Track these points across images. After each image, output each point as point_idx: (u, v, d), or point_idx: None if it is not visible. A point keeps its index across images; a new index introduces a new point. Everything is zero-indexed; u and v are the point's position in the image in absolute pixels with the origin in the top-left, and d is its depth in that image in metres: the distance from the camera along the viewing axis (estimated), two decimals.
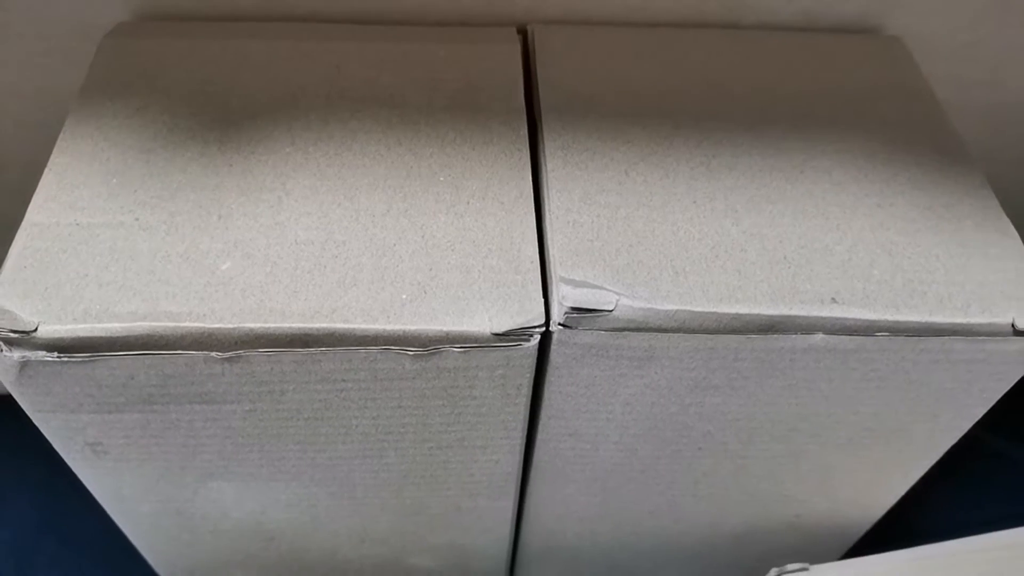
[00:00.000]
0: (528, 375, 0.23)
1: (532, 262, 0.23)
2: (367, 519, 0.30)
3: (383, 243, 0.23)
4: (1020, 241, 0.25)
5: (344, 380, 0.23)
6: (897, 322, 0.23)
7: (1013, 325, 0.23)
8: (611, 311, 0.22)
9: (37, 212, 0.23)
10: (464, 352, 0.22)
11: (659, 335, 0.23)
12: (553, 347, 0.23)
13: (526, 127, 0.27)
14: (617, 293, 0.22)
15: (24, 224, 0.23)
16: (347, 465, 0.27)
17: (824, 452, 0.28)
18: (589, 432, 0.27)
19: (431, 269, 0.23)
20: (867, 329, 0.23)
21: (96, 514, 0.48)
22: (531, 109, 0.28)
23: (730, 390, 0.25)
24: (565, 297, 0.22)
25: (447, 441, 0.26)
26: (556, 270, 0.23)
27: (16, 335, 0.21)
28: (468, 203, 0.25)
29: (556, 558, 0.36)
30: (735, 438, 0.27)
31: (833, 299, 0.23)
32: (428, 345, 0.22)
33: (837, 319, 0.23)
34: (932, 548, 0.32)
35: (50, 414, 0.23)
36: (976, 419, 0.27)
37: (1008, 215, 0.26)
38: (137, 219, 0.23)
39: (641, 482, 0.30)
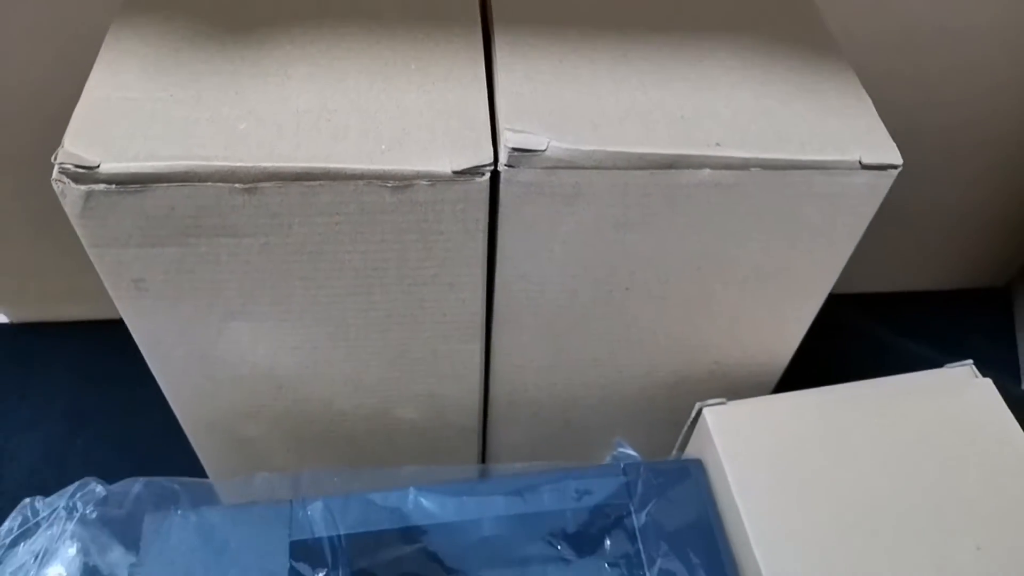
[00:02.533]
0: (483, 210, 0.30)
1: (484, 124, 0.30)
2: (359, 365, 0.37)
3: (366, 111, 0.30)
4: (872, 106, 0.32)
5: (338, 214, 0.29)
6: (767, 159, 0.29)
7: (860, 161, 0.30)
8: (544, 151, 0.28)
9: (92, 90, 0.30)
10: (431, 186, 0.28)
11: (583, 172, 0.29)
12: (502, 187, 0.29)
13: (481, 29, 0.33)
14: (548, 138, 0.29)
15: (82, 98, 0.29)
16: (342, 304, 0.33)
17: (728, 292, 0.35)
18: (536, 274, 0.33)
19: (404, 129, 0.29)
20: (743, 164, 0.29)
21: (119, 419, 0.54)
22: (485, 17, 0.34)
23: (644, 228, 0.31)
24: (508, 140, 0.28)
25: (422, 278, 0.32)
26: (502, 125, 0.29)
27: (82, 171, 0.27)
28: (434, 84, 0.31)
29: (520, 415, 0.42)
30: (654, 278, 0.34)
31: (717, 143, 0.29)
32: (403, 180, 0.28)
33: (720, 157, 0.29)
34: (833, 388, 0.39)
35: (104, 249, 0.29)
36: (846, 257, 0.33)
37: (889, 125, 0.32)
38: (171, 95, 0.30)
39: (583, 327, 0.36)
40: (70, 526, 0.35)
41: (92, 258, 0.30)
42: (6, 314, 0.56)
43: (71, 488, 0.36)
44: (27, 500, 0.36)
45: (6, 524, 0.35)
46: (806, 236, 0.32)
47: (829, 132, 0.30)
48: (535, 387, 0.40)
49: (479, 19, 0.34)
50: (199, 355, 0.35)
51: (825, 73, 0.33)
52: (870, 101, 0.32)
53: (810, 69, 0.33)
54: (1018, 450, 0.36)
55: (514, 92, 0.31)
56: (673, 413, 0.41)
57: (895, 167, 0.30)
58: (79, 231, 0.29)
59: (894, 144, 0.30)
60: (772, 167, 0.29)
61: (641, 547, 0.34)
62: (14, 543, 0.35)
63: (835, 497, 0.34)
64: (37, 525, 0.36)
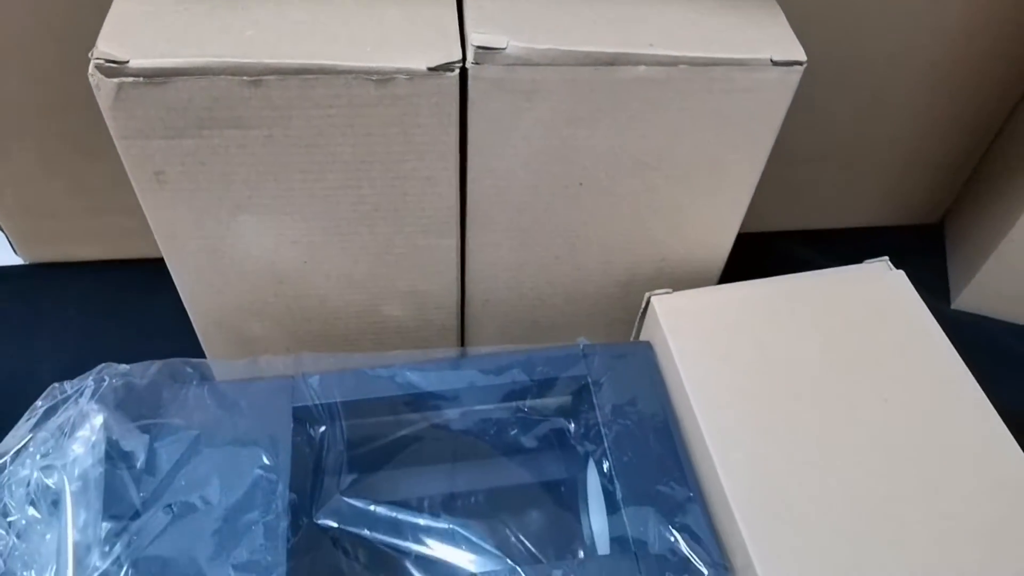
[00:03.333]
0: (454, 103, 0.35)
1: (454, 32, 0.35)
2: (350, 260, 0.42)
3: (354, 24, 0.35)
4: (784, 18, 0.37)
5: (331, 106, 0.34)
6: (692, 57, 0.35)
7: (771, 59, 0.35)
8: (504, 48, 0.34)
9: (119, 5, 0.35)
10: (409, 80, 0.34)
11: (538, 68, 0.34)
12: (470, 84, 0.35)
13: None
14: (508, 38, 0.34)
15: (110, 12, 0.34)
16: (335, 197, 0.38)
17: (668, 186, 0.40)
18: (502, 168, 0.39)
19: (386, 36, 0.35)
20: (673, 62, 0.35)
21: (131, 348, 0.57)
22: None
23: (592, 123, 0.37)
24: (474, 40, 0.34)
25: (404, 171, 0.37)
26: (469, 30, 0.35)
27: (115, 65, 0.32)
28: (411, 3, 0.37)
29: (494, 314, 0.47)
30: (604, 173, 0.39)
31: (651, 44, 0.35)
32: (385, 75, 0.34)
33: (653, 55, 0.35)
34: (766, 280, 0.44)
35: (131, 141, 0.35)
36: (767, 148, 0.39)
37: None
38: (187, 9, 0.35)
39: (545, 222, 0.42)
40: (95, 399, 0.39)
41: (120, 151, 0.35)
42: (22, 255, 0.60)
43: (95, 370, 0.40)
44: (54, 384, 0.40)
45: (35, 404, 0.40)
46: (731, 129, 0.38)
47: (746, 38, 0.36)
48: (505, 286, 0.45)
49: None
50: (210, 248, 0.40)
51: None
52: (782, 13, 0.38)
53: None
54: (922, 322, 0.42)
55: (480, 7, 0.36)
56: (628, 312, 0.47)
57: (800, 63, 0.35)
58: (110, 123, 0.34)
59: (800, 45, 0.36)
60: (697, 64, 0.35)
61: (597, 410, 0.40)
62: (43, 418, 0.40)
63: (765, 367, 0.39)
64: (65, 401, 0.40)
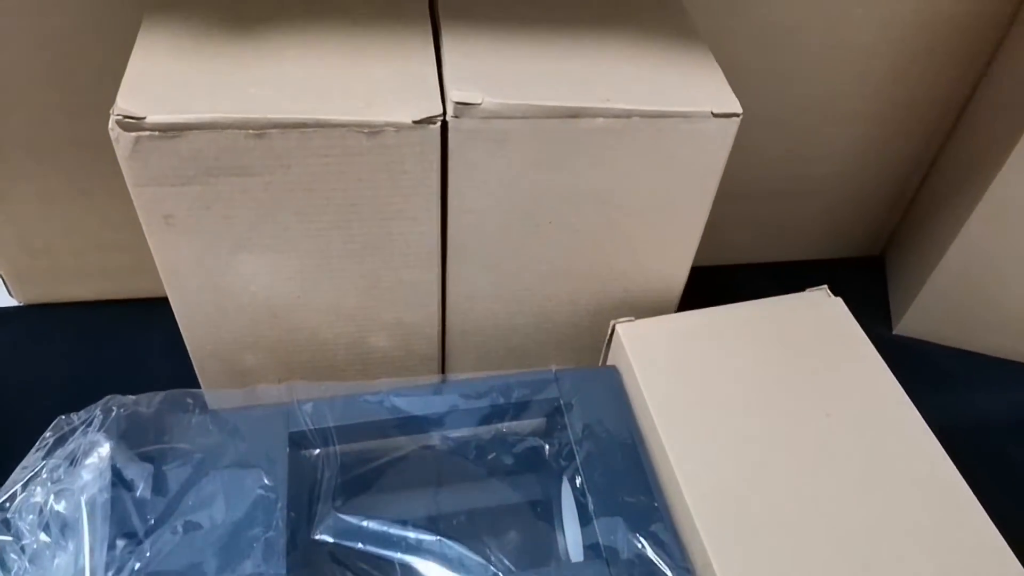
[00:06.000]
0: (436, 152, 0.39)
1: (435, 87, 0.40)
2: (340, 294, 0.45)
3: (345, 80, 0.40)
4: (722, 74, 0.43)
5: (327, 155, 0.38)
6: (644, 110, 0.40)
7: (712, 111, 0.40)
8: (480, 104, 0.38)
9: (134, 66, 0.39)
10: (397, 132, 0.38)
11: (510, 121, 0.39)
12: (450, 134, 0.39)
13: (430, 20, 0.44)
14: (483, 95, 0.39)
15: (127, 72, 0.38)
16: (327, 236, 0.42)
17: (628, 222, 0.45)
18: (478, 207, 0.43)
19: (375, 92, 0.39)
20: (627, 115, 0.40)
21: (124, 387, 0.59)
22: (433, 12, 0.45)
23: (558, 167, 0.41)
24: (453, 96, 0.38)
25: (391, 212, 0.42)
26: (448, 87, 0.39)
27: (133, 120, 0.36)
28: (396, 61, 0.41)
29: (471, 343, 0.51)
30: (570, 211, 0.44)
31: (608, 99, 0.40)
32: (376, 128, 0.38)
33: (610, 108, 0.40)
34: (719, 308, 0.49)
35: (144, 187, 0.38)
36: (713, 189, 0.44)
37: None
38: (196, 69, 0.39)
39: (517, 257, 0.46)
40: (102, 429, 0.42)
41: (133, 196, 0.39)
42: (16, 297, 0.63)
43: (101, 401, 0.43)
44: (61, 416, 0.43)
45: (44, 435, 0.42)
46: (679, 172, 0.43)
47: (689, 92, 0.41)
48: (482, 316, 0.49)
49: (428, 13, 0.44)
50: (211, 285, 0.43)
51: (687, 52, 0.44)
52: (720, 71, 0.43)
53: (676, 49, 0.44)
54: (857, 344, 0.47)
55: (457, 64, 0.41)
56: (595, 338, 0.51)
57: (737, 115, 0.41)
58: (126, 172, 0.37)
59: (736, 99, 0.41)
60: (648, 116, 0.40)
61: (569, 429, 0.43)
62: (53, 447, 0.42)
63: (720, 386, 0.43)
64: (73, 431, 0.43)
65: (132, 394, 0.61)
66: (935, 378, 0.66)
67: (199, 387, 0.50)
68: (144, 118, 0.36)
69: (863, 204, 0.70)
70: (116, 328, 0.63)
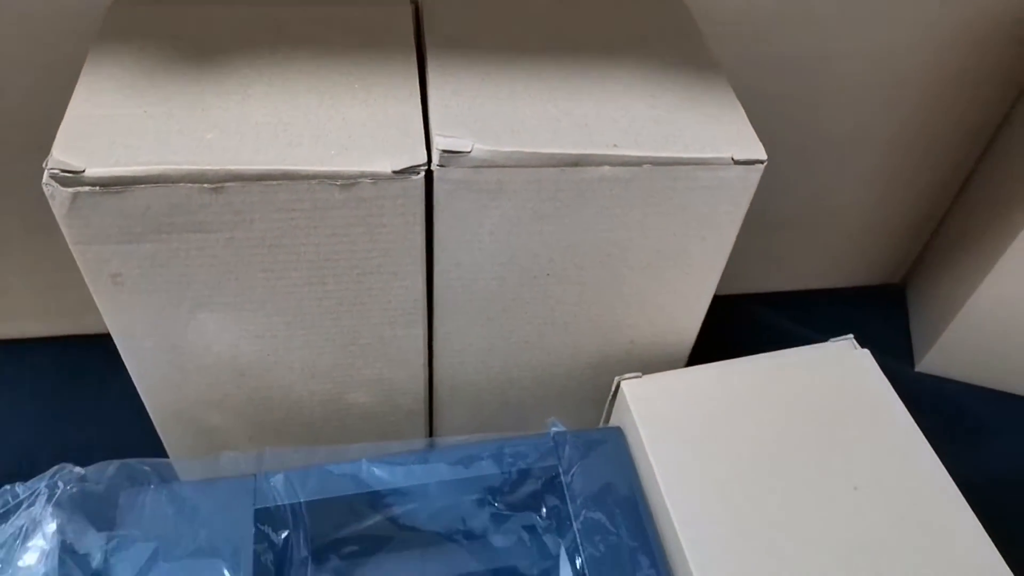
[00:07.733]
0: (420, 204, 0.35)
1: (419, 132, 0.35)
2: (314, 352, 0.41)
3: (317, 124, 0.35)
4: (743, 113, 0.38)
5: (294, 209, 0.34)
6: (656, 157, 0.35)
7: (732, 158, 0.36)
8: (469, 152, 0.34)
9: (75, 108, 0.34)
10: (374, 184, 0.33)
11: (503, 170, 0.34)
12: (435, 184, 0.35)
13: (415, 53, 0.39)
14: (473, 141, 0.34)
15: (67, 115, 0.34)
16: (298, 293, 0.38)
17: (635, 276, 0.40)
18: (469, 262, 0.38)
19: (350, 136, 0.34)
20: (637, 162, 0.35)
21: (85, 429, 0.56)
22: (419, 43, 0.40)
23: (558, 218, 0.37)
24: (439, 143, 0.34)
25: (369, 268, 0.37)
26: (434, 131, 0.35)
27: (70, 175, 0.31)
28: (375, 100, 0.36)
29: (462, 398, 0.46)
30: (571, 264, 0.39)
31: (615, 145, 0.35)
32: (350, 179, 0.33)
33: (617, 156, 0.35)
34: (734, 361, 0.44)
35: (87, 246, 0.34)
36: (731, 241, 0.39)
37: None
38: (145, 112, 0.34)
39: (513, 311, 0.41)
40: (50, 505, 0.38)
41: (75, 255, 0.34)
42: None
43: (49, 472, 0.39)
44: (6, 487, 0.39)
45: None
46: (695, 223, 0.38)
47: (707, 135, 0.36)
48: (474, 371, 0.45)
49: (413, 44, 0.40)
50: (169, 345, 0.39)
51: (706, 89, 0.39)
52: (742, 110, 0.38)
53: (693, 85, 0.39)
54: (888, 405, 0.42)
55: (444, 105, 0.36)
56: (598, 392, 0.46)
57: (761, 162, 0.36)
58: (65, 230, 0.33)
59: (760, 144, 0.36)
60: (661, 164, 0.35)
61: (568, 501, 0.39)
62: None
63: (734, 452, 0.39)
64: (18, 507, 0.38)
65: (94, 442, 0.57)
66: (960, 422, 0.61)
67: (161, 440, 0.46)
68: (83, 171, 0.31)
69: (885, 232, 0.66)
70: (79, 367, 0.59)
